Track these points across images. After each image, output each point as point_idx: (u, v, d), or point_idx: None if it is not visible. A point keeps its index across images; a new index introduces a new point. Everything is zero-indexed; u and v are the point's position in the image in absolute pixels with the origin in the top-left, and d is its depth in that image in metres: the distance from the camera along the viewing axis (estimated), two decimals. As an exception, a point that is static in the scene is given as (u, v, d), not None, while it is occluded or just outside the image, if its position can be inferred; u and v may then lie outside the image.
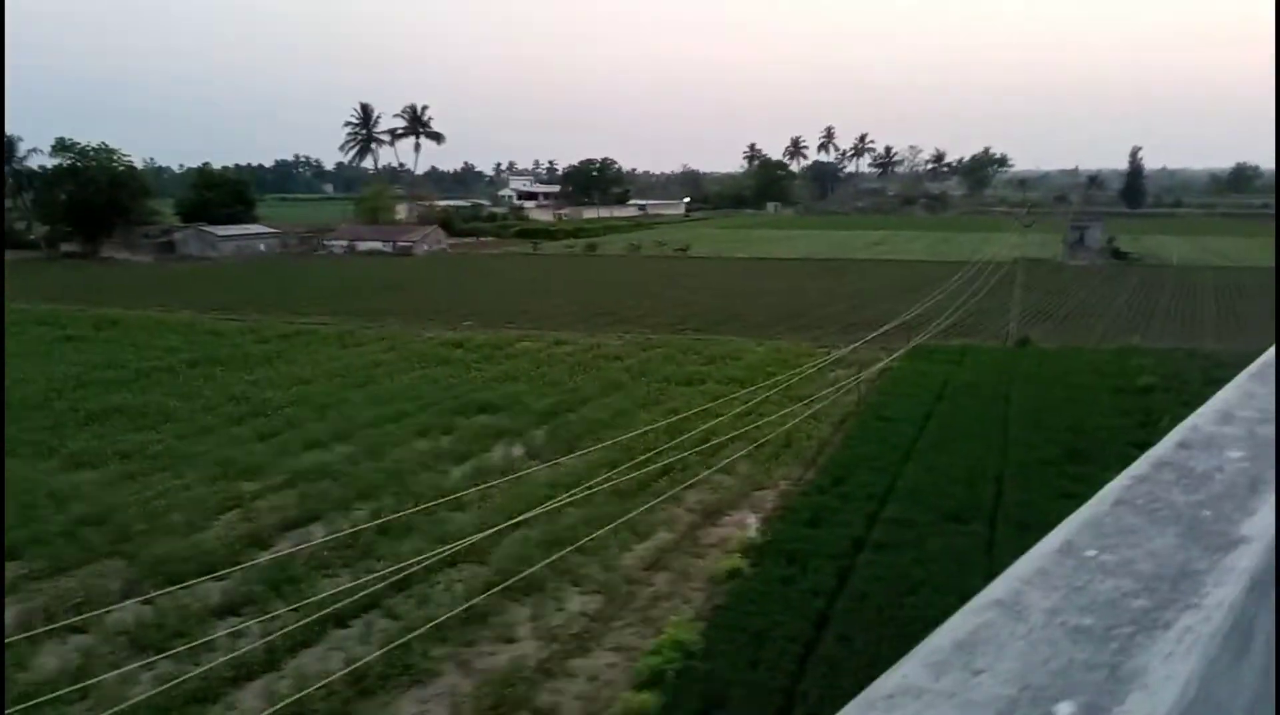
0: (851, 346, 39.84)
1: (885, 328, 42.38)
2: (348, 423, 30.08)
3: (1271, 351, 3.45)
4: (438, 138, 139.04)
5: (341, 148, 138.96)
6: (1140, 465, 1.95)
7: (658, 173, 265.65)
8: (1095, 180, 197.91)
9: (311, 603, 17.02)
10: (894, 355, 39.17)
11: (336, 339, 46.38)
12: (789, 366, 37.06)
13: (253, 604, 18.13)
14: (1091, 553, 1.42)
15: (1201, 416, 2.60)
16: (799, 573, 18.75)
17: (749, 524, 22.45)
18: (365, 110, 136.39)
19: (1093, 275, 75.57)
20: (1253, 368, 3.21)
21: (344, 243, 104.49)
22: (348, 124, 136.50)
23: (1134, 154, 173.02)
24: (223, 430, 29.70)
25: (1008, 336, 44.65)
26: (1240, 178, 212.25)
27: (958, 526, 20.45)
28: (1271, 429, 2.34)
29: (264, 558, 19.50)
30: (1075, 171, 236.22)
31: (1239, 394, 2.82)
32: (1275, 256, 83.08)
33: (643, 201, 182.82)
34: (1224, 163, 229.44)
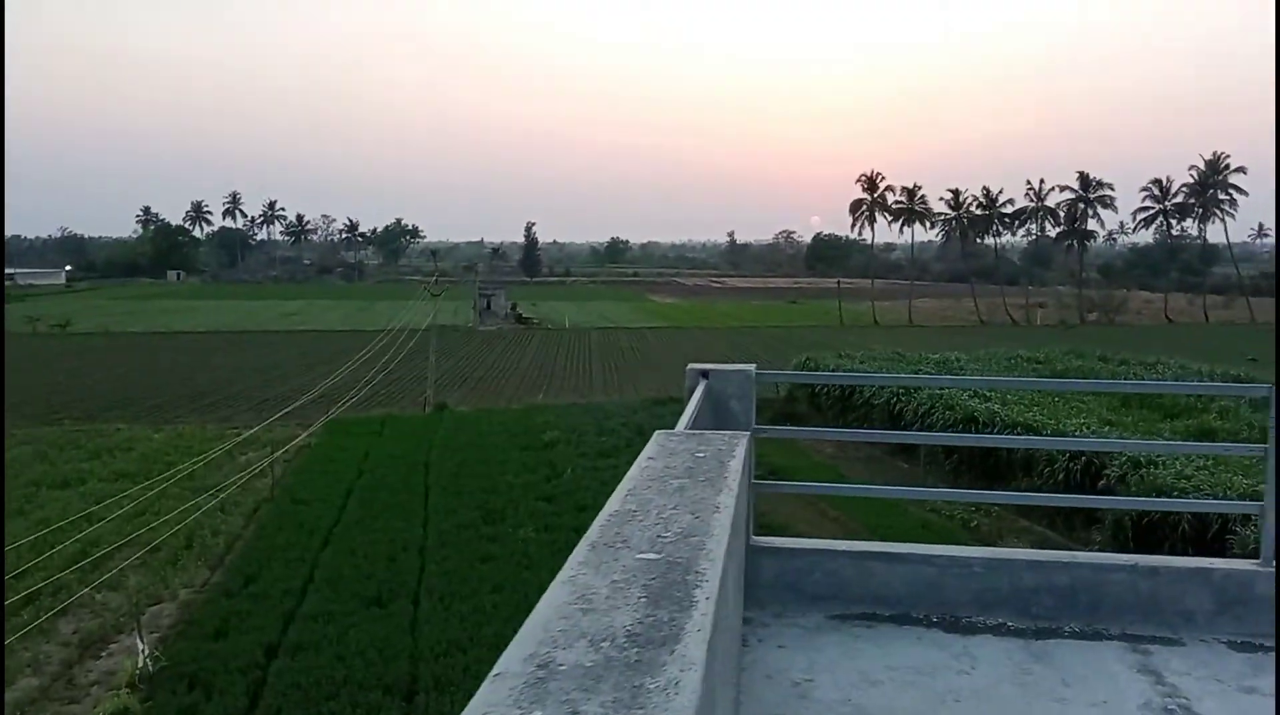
0: (264, 424, 37.16)
1: (300, 402, 40.41)
2: None
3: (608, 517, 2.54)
4: None
5: None
6: None
7: (30, 237, 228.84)
8: (498, 252, 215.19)
9: None
10: (310, 431, 37.33)
11: None
12: (193, 453, 33.29)
13: None
14: None
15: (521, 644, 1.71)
16: (201, 699, 16.26)
17: (140, 649, 19.09)
18: None
19: (500, 339, 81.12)
20: (579, 553, 2.16)
21: None
22: None
23: (529, 228, 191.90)
24: None
25: (426, 403, 45.38)
26: (615, 250, 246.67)
27: (380, 611, 19.49)
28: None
29: None
30: (481, 243, 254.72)
31: (568, 599, 1.86)
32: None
33: (10, 270, 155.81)
34: (601, 237, 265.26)
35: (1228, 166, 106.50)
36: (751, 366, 4.69)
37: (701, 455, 3.25)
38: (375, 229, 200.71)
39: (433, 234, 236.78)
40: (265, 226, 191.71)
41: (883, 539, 24.69)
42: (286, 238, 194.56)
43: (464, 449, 34.68)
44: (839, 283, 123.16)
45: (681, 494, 2.75)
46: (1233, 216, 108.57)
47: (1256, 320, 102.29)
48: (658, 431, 3.63)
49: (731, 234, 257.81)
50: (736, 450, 3.33)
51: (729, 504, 2.62)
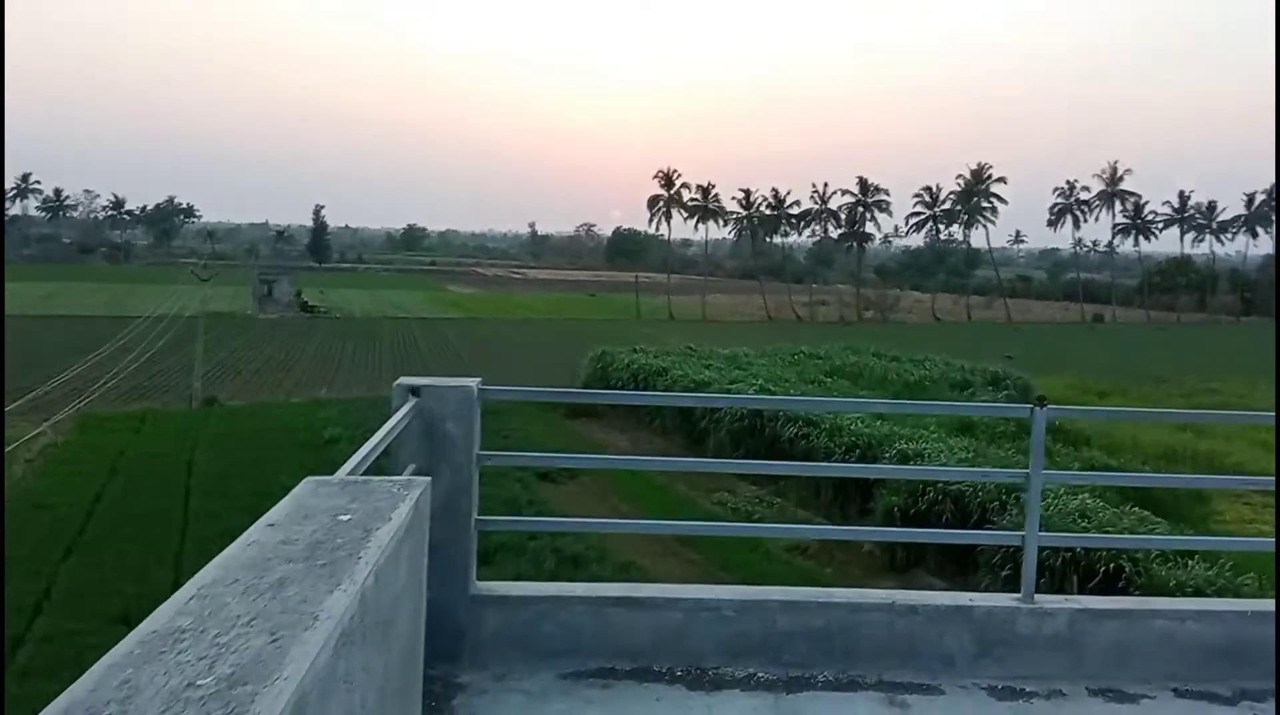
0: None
1: (44, 391, 36.60)
2: None
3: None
4: None
5: None
6: None
7: None
8: (284, 235, 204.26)
9: None
10: (53, 425, 33.81)
11: None
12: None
13: None
14: None
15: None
16: (-97, 740, 14.17)
17: None
18: None
19: (283, 328, 76.89)
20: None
21: None
22: None
23: (317, 212, 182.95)
24: None
25: (192, 397, 42.19)
26: (411, 237, 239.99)
27: (127, 630, 17.57)
28: None
29: None
30: (266, 225, 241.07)
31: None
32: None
33: None
34: (398, 224, 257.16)
35: (990, 177, 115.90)
36: (474, 381, 4.09)
37: (346, 518, 2.43)
38: (145, 207, 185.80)
39: (211, 214, 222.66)
40: (19, 201, 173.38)
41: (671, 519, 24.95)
42: (43, 213, 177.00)
43: (234, 447, 32.35)
44: (637, 277, 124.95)
45: (277, 592, 1.90)
46: (993, 223, 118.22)
47: (1013, 319, 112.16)
48: (308, 478, 2.79)
49: (533, 225, 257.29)
50: (399, 508, 2.53)
51: (340, 608, 1.85)
